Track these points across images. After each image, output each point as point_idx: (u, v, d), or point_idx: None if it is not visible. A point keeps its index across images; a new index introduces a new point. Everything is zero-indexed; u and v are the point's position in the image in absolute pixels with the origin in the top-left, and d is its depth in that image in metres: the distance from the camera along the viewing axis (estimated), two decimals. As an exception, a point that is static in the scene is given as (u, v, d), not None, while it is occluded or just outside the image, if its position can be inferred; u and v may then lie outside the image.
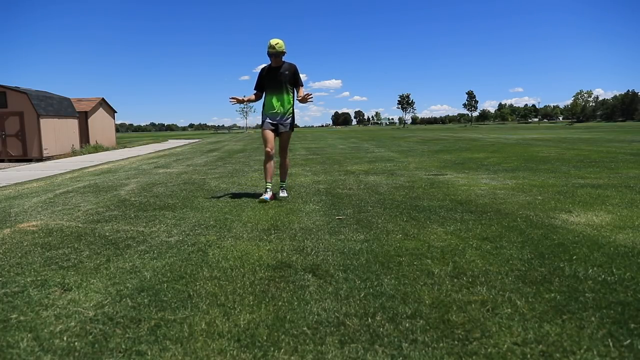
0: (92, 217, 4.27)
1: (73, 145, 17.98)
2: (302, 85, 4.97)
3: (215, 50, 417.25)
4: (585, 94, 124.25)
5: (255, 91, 5.02)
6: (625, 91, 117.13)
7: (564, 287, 2.15)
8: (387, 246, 2.95)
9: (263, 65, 4.97)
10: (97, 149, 19.34)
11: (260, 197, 4.76)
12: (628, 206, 4.07)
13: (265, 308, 2.00)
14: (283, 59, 4.89)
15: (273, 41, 4.73)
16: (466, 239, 3.10)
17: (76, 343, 1.73)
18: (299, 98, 4.84)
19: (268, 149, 4.80)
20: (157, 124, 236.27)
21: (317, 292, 2.18)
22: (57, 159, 15.27)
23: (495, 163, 8.58)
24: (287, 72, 4.82)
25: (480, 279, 2.30)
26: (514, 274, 2.36)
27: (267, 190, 4.85)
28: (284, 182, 5.19)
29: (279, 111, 4.85)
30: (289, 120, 4.93)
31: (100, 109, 23.09)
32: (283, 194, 5.01)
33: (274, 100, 4.85)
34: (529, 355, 1.55)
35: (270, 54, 4.77)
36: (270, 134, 4.85)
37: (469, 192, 5.09)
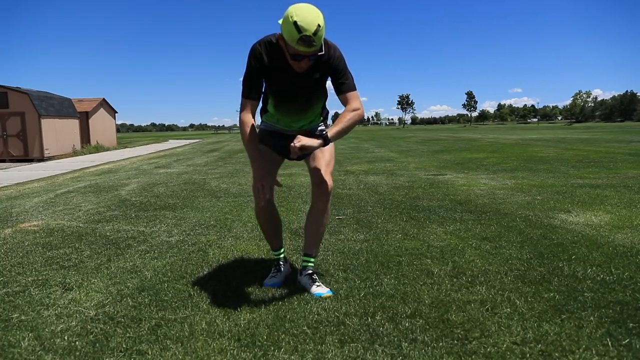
0: (93, 217, 4.27)
1: (74, 145, 17.99)
2: (349, 87, 2.09)
3: (215, 50, 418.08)
4: (584, 95, 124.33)
5: (247, 99, 2.12)
6: (624, 91, 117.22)
7: (563, 287, 2.16)
8: (387, 246, 2.96)
9: (260, 43, 2.04)
10: (98, 149, 19.35)
11: (267, 280, 2.34)
12: (627, 206, 4.07)
13: (266, 308, 2.01)
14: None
15: (307, 19, 1.79)
16: (465, 238, 3.10)
17: (77, 342, 1.73)
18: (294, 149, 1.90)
19: (260, 185, 2.02)
20: (157, 124, 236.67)
21: (317, 292, 2.18)
22: (58, 159, 15.29)
23: (494, 163, 8.59)
24: (317, 75, 2.09)
25: (480, 278, 2.31)
26: (513, 273, 2.37)
27: (280, 267, 2.40)
28: (314, 257, 2.33)
29: (297, 127, 2.32)
30: (321, 127, 2.42)
31: (101, 109, 23.11)
32: (319, 288, 2.18)
33: (290, 121, 2.30)
34: (528, 355, 1.56)
35: (300, 39, 1.81)
36: (272, 157, 2.28)
37: (469, 192, 5.10)
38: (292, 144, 1.85)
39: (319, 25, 1.81)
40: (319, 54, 1.93)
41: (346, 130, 2.02)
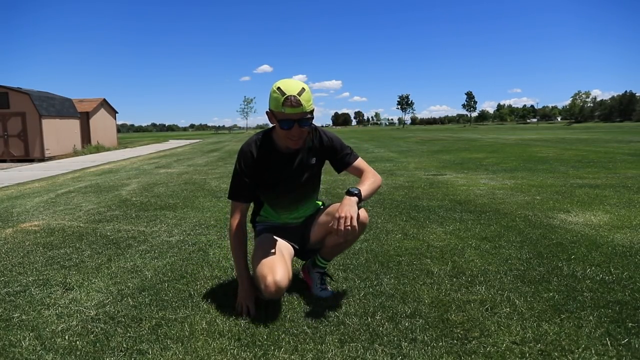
0: (94, 217, 4.28)
1: (75, 145, 18.01)
2: (355, 157, 2.11)
3: (215, 51, 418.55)
4: (583, 95, 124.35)
5: (236, 202, 2.05)
6: (623, 92, 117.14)
7: (562, 287, 2.16)
8: (387, 246, 2.96)
9: (248, 143, 2.06)
10: (99, 149, 19.36)
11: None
12: (626, 206, 4.08)
13: (266, 307, 2.01)
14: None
15: (289, 83, 1.85)
16: (465, 238, 3.11)
17: (78, 342, 1.74)
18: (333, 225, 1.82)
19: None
20: (158, 124, 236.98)
21: (317, 292, 2.19)
22: (59, 159, 15.29)
23: (494, 163, 8.59)
24: (313, 161, 2.07)
25: (479, 278, 2.31)
26: (512, 273, 2.38)
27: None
28: (329, 261, 2.23)
29: (296, 220, 2.21)
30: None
31: (102, 109, 23.12)
32: (323, 290, 2.15)
33: (289, 216, 2.18)
34: (527, 354, 1.56)
35: (285, 100, 1.81)
36: (281, 247, 2.06)
37: (468, 192, 5.10)
38: (340, 227, 1.76)
39: (303, 89, 1.84)
40: (308, 117, 1.87)
41: (373, 191, 2.01)
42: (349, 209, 1.81)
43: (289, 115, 1.83)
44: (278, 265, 1.90)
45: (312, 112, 1.90)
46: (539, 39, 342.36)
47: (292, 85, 1.84)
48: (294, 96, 1.80)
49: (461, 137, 24.11)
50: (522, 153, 10.99)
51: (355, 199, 1.86)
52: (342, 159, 2.08)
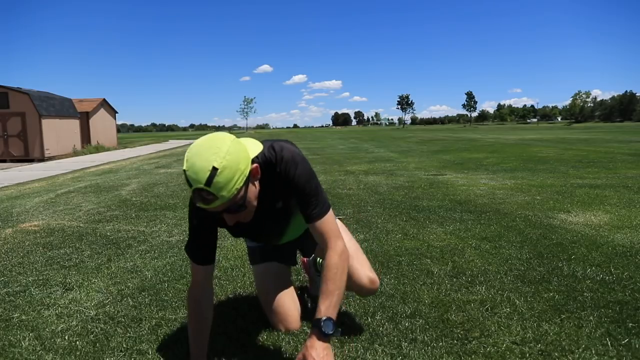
0: (94, 217, 4.28)
1: (74, 145, 18.00)
2: (310, 219, 1.45)
3: (216, 50, 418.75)
4: (583, 95, 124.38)
5: (196, 264, 1.50)
6: (623, 92, 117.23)
7: (562, 287, 2.16)
8: (387, 246, 2.96)
9: (196, 207, 1.39)
10: (99, 149, 19.35)
11: None
12: (626, 206, 4.08)
13: (266, 307, 2.01)
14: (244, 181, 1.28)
15: (197, 163, 1.19)
16: (465, 238, 3.11)
17: (77, 342, 1.74)
18: None
19: (286, 331, 1.76)
20: (158, 124, 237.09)
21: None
22: (59, 159, 15.29)
23: (494, 163, 8.59)
24: (279, 204, 1.56)
25: (480, 278, 2.31)
26: (512, 273, 2.37)
27: None
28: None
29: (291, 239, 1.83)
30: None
31: (102, 109, 23.11)
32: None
33: (275, 244, 1.85)
34: (527, 355, 1.56)
35: (193, 194, 1.24)
36: (277, 271, 1.87)
37: (468, 192, 5.10)
38: None
39: (214, 169, 1.18)
40: (235, 204, 1.28)
41: (342, 293, 1.43)
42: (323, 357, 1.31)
43: (206, 208, 1.27)
44: (289, 312, 1.78)
45: (243, 190, 1.27)
46: (539, 39, 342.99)
47: (198, 167, 1.19)
48: (199, 190, 1.21)
49: (461, 137, 24.11)
50: (522, 153, 10.99)
51: (327, 344, 1.35)
52: (303, 210, 1.46)
